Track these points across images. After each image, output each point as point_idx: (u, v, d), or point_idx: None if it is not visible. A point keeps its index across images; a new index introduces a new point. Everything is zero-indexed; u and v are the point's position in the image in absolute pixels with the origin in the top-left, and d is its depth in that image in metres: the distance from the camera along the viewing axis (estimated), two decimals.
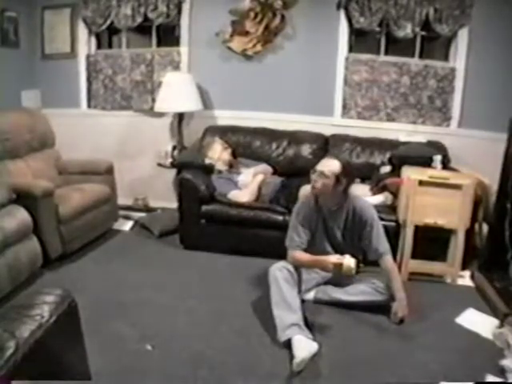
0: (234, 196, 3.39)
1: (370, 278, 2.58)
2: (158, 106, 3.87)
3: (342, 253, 2.44)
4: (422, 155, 3.37)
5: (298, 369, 2.05)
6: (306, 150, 3.74)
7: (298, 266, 2.52)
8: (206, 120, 4.04)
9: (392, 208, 3.17)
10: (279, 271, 2.44)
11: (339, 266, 2.31)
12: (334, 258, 2.37)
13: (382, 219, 3.02)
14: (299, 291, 2.50)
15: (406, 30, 3.65)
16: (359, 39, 3.93)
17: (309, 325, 2.34)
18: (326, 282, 2.70)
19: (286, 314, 2.30)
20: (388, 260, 2.55)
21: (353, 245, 2.61)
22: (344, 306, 2.60)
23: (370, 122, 3.92)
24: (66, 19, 4.10)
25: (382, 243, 2.55)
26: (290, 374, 2.05)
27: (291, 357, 2.10)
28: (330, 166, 2.47)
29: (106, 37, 4.40)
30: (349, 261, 2.30)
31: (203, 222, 3.34)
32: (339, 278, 2.60)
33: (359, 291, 2.58)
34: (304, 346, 2.11)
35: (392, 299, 2.50)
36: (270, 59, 3.95)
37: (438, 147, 3.52)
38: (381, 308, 2.55)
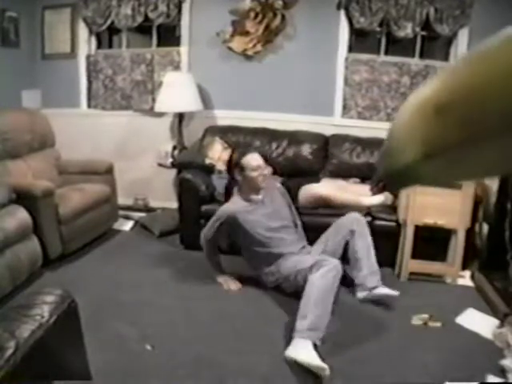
0: None
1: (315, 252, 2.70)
2: (158, 106, 3.87)
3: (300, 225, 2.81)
4: None
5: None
6: (305, 150, 3.73)
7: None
8: (206, 120, 4.04)
9: (392, 208, 3.17)
10: (337, 270, 2.32)
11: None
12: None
13: (382, 219, 3.05)
14: None
15: (406, 30, 3.65)
16: (359, 39, 3.93)
17: None
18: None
19: (326, 318, 2.18)
20: None
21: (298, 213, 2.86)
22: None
23: (370, 121, 3.91)
24: (66, 19, 4.11)
25: None
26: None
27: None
28: (259, 158, 2.72)
29: (106, 37, 4.40)
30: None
31: (203, 222, 3.33)
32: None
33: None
34: (313, 355, 2.04)
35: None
36: (270, 59, 3.95)
37: None
38: (380, 306, 2.56)
